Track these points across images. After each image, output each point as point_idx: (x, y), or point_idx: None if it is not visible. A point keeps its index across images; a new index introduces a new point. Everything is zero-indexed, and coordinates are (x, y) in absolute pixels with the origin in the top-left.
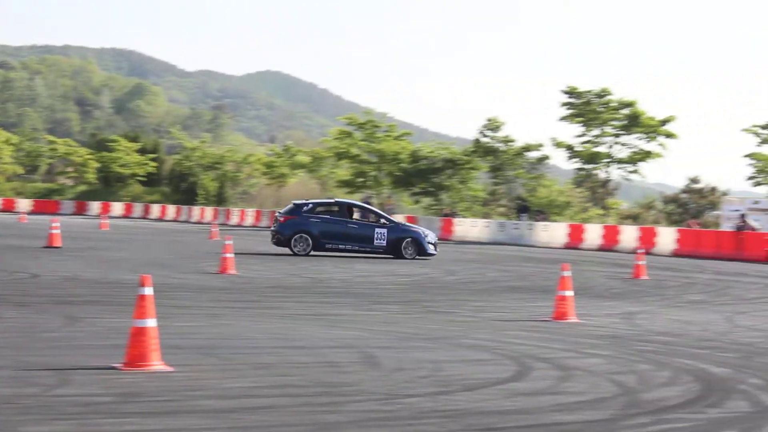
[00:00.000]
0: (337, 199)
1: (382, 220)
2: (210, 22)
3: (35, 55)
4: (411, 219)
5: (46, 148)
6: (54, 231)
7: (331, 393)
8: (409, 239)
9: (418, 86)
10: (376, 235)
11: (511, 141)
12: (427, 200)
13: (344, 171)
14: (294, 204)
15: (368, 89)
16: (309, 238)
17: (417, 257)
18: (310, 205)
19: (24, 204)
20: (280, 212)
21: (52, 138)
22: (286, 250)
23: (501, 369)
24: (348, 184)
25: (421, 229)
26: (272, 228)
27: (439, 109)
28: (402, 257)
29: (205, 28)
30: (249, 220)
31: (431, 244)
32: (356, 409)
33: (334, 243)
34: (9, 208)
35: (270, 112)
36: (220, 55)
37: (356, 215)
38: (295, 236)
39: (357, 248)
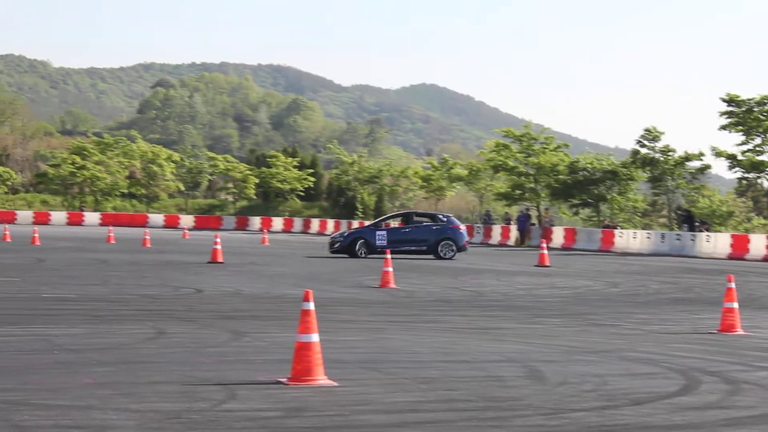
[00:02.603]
0: None
1: None
2: (365, 37)
3: (194, 73)
4: (570, 231)
5: (206, 165)
6: (216, 246)
7: (497, 407)
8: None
9: (575, 97)
10: None
11: (671, 151)
12: (585, 211)
13: (501, 183)
14: None
15: (524, 101)
16: None
17: None
18: None
19: (186, 220)
20: None
21: (212, 154)
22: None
23: (668, 383)
24: (506, 197)
25: None
26: None
27: (597, 120)
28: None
29: (360, 43)
30: None
31: None
32: (522, 424)
33: None
34: (172, 225)
35: (426, 126)
36: (375, 69)
37: None
38: None
39: None
